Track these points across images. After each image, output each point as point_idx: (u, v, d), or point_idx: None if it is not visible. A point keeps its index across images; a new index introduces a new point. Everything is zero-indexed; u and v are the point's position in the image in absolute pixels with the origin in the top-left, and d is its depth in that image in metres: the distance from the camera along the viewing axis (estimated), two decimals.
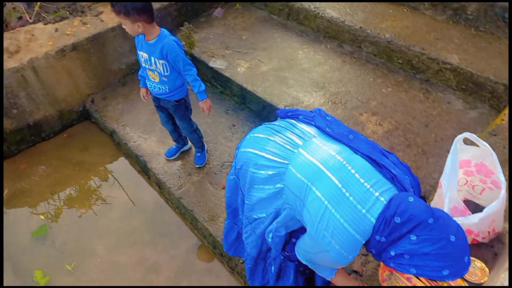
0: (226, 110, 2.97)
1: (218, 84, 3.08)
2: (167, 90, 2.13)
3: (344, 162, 1.10)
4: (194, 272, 2.21)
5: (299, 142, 1.21)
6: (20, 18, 3.03)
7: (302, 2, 3.18)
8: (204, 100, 2.16)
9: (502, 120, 1.94)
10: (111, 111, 3.04)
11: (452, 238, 0.97)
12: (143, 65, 2.09)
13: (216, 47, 3.17)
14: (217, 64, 3.02)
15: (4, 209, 2.62)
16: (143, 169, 2.74)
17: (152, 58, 2.00)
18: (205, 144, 2.62)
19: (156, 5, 3.20)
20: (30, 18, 2.99)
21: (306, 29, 3.23)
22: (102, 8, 3.14)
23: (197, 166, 2.57)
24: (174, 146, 2.66)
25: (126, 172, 2.82)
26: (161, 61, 2.00)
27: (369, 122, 2.39)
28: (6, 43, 2.79)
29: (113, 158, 2.92)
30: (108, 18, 3.06)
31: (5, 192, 2.70)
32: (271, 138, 1.25)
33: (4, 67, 2.65)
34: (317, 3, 3.13)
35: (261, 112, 2.79)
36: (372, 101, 2.53)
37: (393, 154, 1.16)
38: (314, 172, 1.11)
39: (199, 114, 2.87)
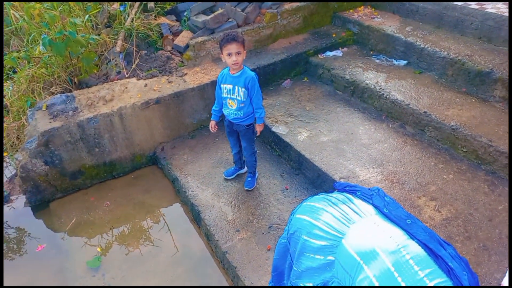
0: (281, 173, 3.07)
1: (277, 147, 3.24)
2: (242, 115, 2.61)
3: (399, 246, 1.10)
4: None
5: (355, 218, 1.24)
6: (119, 72, 3.56)
7: (368, 82, 3.34)
8: (261, 124, 2.68)
9: None
10: (177, 160, 3.31)
11: None
12: (225, 95, 2.60)
13: (281, 114, 3.40)
14: (279, 129, 3.21)
15: (68, 236, 2.87)
16: (196, 218, 2.87)
17: (236, 87, 2.52)
18: (257, 172, 3.00)
19: None
20: (127, 73, 3.51)
21: (369, 107, 3.34)
22: (186, 71, 3.59)
23: (246, 189, 2.91)
24: (232, 168, 3.06)
25: (180, 218, 2.97)
26: (242, 89, 2.51)
27: (426, 207, 2.32)
28: (103, 92, 3.27)
29: (170, 203, 3.12)
30: (190, 79, 3.48)
31: (73, 220, 2.98)
32: (327, 209, 1.30)
33: (98, 112, 3.09)
34: (383, 84, 3.27)
35: (315, 180, 2.85)
36: (431, 185, 2.48)
37: (452, 246, 1.14)
38: (367, 252, 1.12)
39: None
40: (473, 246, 2.03)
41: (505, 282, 1.17)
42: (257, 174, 3.01)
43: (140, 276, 2.53)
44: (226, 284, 2.44)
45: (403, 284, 1.03)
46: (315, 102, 3.53)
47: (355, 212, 1.27)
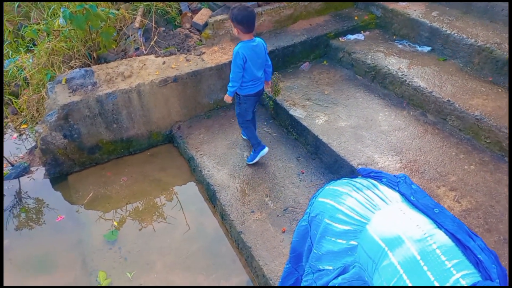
0: (298, 157, 3.06)
1: (294, 131, 3.21)
2: None
3: (426, 235, 1.08)
4: None
5: (381, 204, 1.22)
6: (137, 48, 3.54)
7: (390, 68, 3.26)
8: (227, 95, 2.75)
9: None
10: (193, 139, 3.31)
11: None
12: None
13: (299, 97, 3.35)
14: (296, 112, 3.18)
15: (85, 210, 2.93)
16: (211, 197, 2.89)
17: None
18: (262, 149, 2.96)
19: None
20: (145, 50, 3.48)
21: (390, 93, 3.27)
22: (205, 49, 3.55)
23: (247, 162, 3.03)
24: None
25: (195, 197, 3.01)
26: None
27: (446, 197, 2.29)
28: (122, 68, 3.26)
29: (185, 181, 3.15)
30: (208, 58, 3.44)
31: (90, 194, 3.03)
32: (351, 194, 1.29)
33: (116, 88, 3.09)
34: (405, 71, 3.19)
35: (332, 165, 2.83)
36: (451, 175, 2.44)
37: (480, 238, 1.11)
38: (393, 239, 1.10)
39: (271, 156, 3.01)
40: (493, 239, 2.00)
41: None
42: (261, 153, 2.96)
43: (155, 251, 2.58)
44: (240, 263, 2.48)
45: (428, 274, 1.02)
46: (334, 86, 3.47)
47: (380, 198, 1.25)
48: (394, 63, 3.35)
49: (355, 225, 1.23)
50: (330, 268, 1.34)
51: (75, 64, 3.44)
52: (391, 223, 1.15)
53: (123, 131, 3.27)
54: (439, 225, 1.12)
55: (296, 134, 3.20)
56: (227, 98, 2.77)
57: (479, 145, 2.65)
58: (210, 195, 2.89)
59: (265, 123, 3.44)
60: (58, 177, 3.19)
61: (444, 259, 1.03)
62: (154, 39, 3.55)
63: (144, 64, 3.35)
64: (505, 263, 1.85)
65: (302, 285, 1.53)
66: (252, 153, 2.99)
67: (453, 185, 2.36)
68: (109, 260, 2.55)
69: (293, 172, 2.92)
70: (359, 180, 1.37)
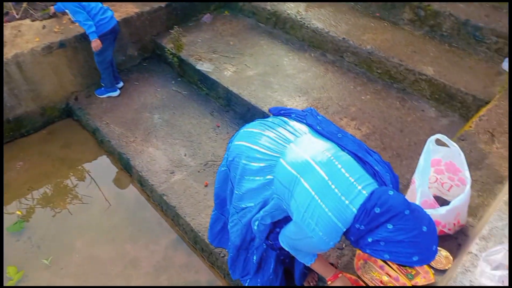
0: (211, 111, 3.02)
1: (204, 86, 3.14)
2: None
3: (332, 158, 1.18)
4: (173, 267, 2.22)
5: (291, 137, 1.29)
6: (6, 13, 3.01)
7: (289, 12, 3.31)
8: (92, 40, 2.76)
9: (470, 127, 2.08)
10: (95, 109, 3.04)
11: (424, 228, 1.04)
12: None
13: (204, 50, 3.25)
14: (204, 67, 3.09)
15: None
16: (126, 166, 2.74)
17: None
18: (114, 91, 3.13)
19: (145, 8, 3.26)
20: (17, 14, 2.98)
21: (292, 37, 3.35)
22: None
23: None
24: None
25: (108, 169, 2.82)
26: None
27: (348, 126, 2.50)
28: None
29: (94, 155, 2.92)
30: None
31: None
32: (264, 133, 1.33)
33: None
34: (303, 14, 3.28)
35: (246, 114, 2.86)
36: (351, 107, 2.65)
37: (377, 153, 1.25)
38: (304, 166, 1.18)
39: (183, 115, 2.94)
40: (388, 155, 2.27)
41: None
42: (108, 93, 3.13)
43: (73, 231, 2.40)
44: (167, 224, 2.44)
45: (336, 190, 1.12)
46: (238, 36, 3.43)
47: (291, 132, 1.31)
48: (292, 7, 3.40)
49: (269, 160, 1.28)
50: (252, 204, 1.39)
51: None
52: (301, 152, 1.22)
53: (7, 111, 2.84)
54: (343, 148, 1.23)
55: (207, 89, 3.14)
56: (94, 43, 2.75)
57: (372, 76, 2.91)
58: (124, 164, 2.74)
59: (173, 82, 3.30)
60: None
61: (348, 176, 1.14)
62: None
63: (19, 31, 2.88)
64: (398, 173, 2.10)
65: (228, 225, 1.58)
66: (103, 89, 3.11)
67: (353, 115, 2.59)
68: (19, 252, 2.30)
69: (209, 127, 2.89)
70: (271, 119, 1.41)
